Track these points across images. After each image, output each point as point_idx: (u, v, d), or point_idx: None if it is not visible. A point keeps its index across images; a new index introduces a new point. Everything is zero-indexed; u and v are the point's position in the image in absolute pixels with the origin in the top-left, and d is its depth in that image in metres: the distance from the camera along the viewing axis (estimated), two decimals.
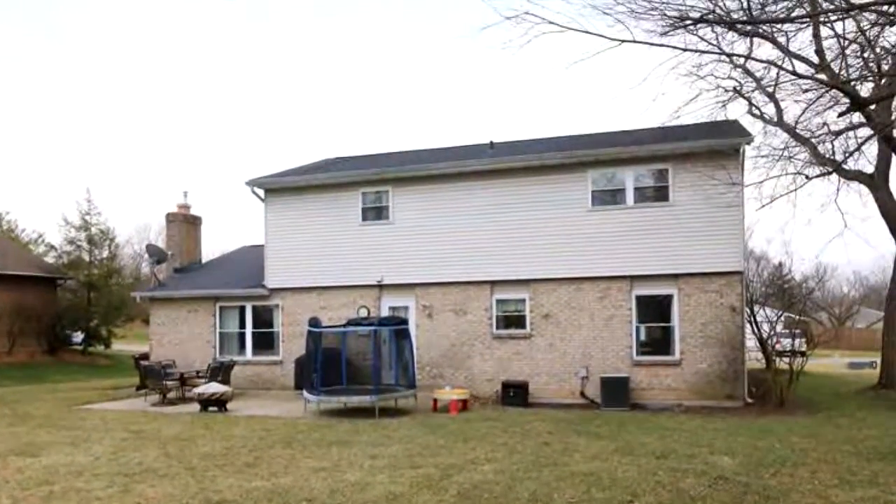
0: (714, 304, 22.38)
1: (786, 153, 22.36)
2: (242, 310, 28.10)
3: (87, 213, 46.39)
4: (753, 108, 23.29)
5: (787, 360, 23.34)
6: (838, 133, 22.09)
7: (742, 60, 19.82)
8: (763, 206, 21.00)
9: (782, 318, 27.89)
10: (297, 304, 26.86)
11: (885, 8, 12.76)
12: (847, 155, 23.96)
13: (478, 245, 24.46)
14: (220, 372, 23.89)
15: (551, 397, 23.37)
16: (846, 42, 16.93)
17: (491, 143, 28.44)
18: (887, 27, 15.63)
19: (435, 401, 21.39)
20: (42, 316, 42.48)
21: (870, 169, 26.68)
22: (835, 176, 24.93)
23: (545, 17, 12.56)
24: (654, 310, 23.32)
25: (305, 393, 21.19)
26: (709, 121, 22.85)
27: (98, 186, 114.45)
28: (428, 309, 25.20)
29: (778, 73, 20.13)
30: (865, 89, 19.93)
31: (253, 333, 27.93)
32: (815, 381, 30.02)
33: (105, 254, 47.96)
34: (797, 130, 22.01)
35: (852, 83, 16.80)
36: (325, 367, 21.73)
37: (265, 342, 27.75)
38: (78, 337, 46.95)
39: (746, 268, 25.22)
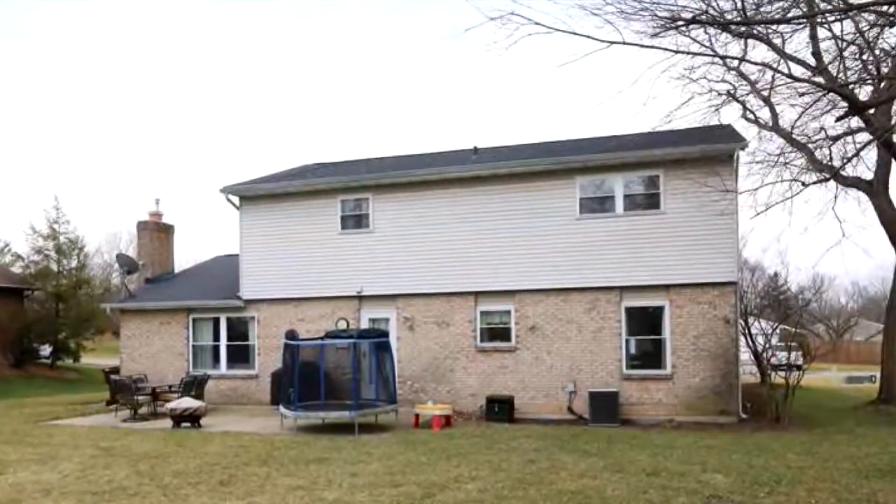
0: (707, 316, 22.34)
1: (781, 159, 22.43)
2: (217, 322, 27.98)
3: (56, 222, 46.17)
4: (748, 112, 23.34)
5: (782, 374, 23.36)
6: (836, 138, 22.11)
7: (736, 63, 19.84)
8: (758, 213, 21.12)
9: (778, 331, 27.95)
10: (274, 316, 26.75)
11: (884, 8, 12.78)
12: (845, 161, 24.03)
13: (461, 255, 24.41)
14: (194, 386, 23.80)
15: (538, 413, 23.27)
16: (844, 44, 16.98)
17: (475, 148, 28.34)
18: (887, 28, 15.66)
19: (417, 416, 21.32)
20: (8, 328, 42.13)
21: (869, 175, 26.77)
22: (832, 183, 24.93)
23: (531, 17, 12.57)
24: (645, 322, 23.30)
25: (282, 408, 21.09)
26: (701, 125, 22.83)
27: (67, 194, 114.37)
28: (409, 321, 25.10)
29: (773, 76, 20.14)
30: (864, 93, 20.05)
31: (227, 346, 27.80)
32: (812, 396, 30.04)
33: (74, 263, 47.63)
34: (793, 135, 22.07)
35: (850, 86, 16.82)
36: (302, 381, 21.55)
37: (240, 355, 27.62)
38: (46, 350, 46.63)
39: (741, 278, 25.25)
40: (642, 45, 13.67)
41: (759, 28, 15.60)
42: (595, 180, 23.62)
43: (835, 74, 17.41)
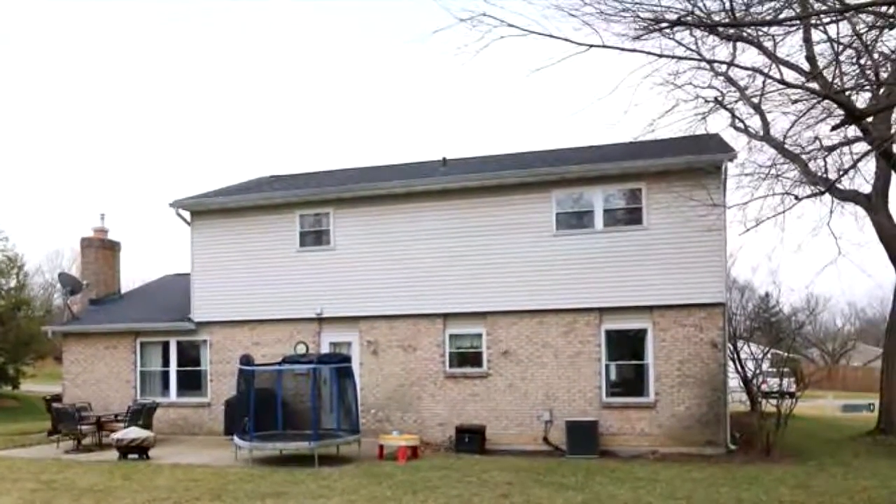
0: (693, 340, 22.30)
1: (773, 171, 22.32)
2: (166, 346, 27.80)
3: None
4: (737, 120, 23.30)
5: (774, 402, 23.31)
6: (832, 148, 22.05)
7: (724, 68, 19.76)
8: (747, 229, 20.86)
9: (769, 356, 27.93)
10: (228, 340, 26.58)
11: (883, 9, 12.75)
12: (841, 173, 24.00)
13: (429, 274, 24.31)
14: (142, 415, 23.75)
15: (511, 443, 23.18)
16: (840, 47, 16.97)
17: (444, 159, 28.36)
18: (886, 30, 15.66)
19: (381, 447, 21.22)
20: None
21: (867, 189, 26.81)
22: (827, 196, 24.94)
23: (504, 19, 12.45)
24: (626, 346, 23.28)
25: (236, 439, 21.01)
26: (687, 135, 22.81)
27: (4, 208, 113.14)
28: (373, 345, 24.98)
29: (764, 82, 20.08)
30: (862, 100, 19.99)
31: (178, 372, 27.65)
32: (806, 425, 30.09)
33: (12, 283, 47.48)
34: (785, 145, 22.01)
35: (847, 93, 16.80)
36: (258, 409, 21.47)
37: (191, 382, 27.46)
38: None
39: (729, 299, 25.25)
40: (623, 49, 13.59)
41: (748, 30, 15.55)
42: (573, 194, 23.57)
43: (830, 80, 17.37)
